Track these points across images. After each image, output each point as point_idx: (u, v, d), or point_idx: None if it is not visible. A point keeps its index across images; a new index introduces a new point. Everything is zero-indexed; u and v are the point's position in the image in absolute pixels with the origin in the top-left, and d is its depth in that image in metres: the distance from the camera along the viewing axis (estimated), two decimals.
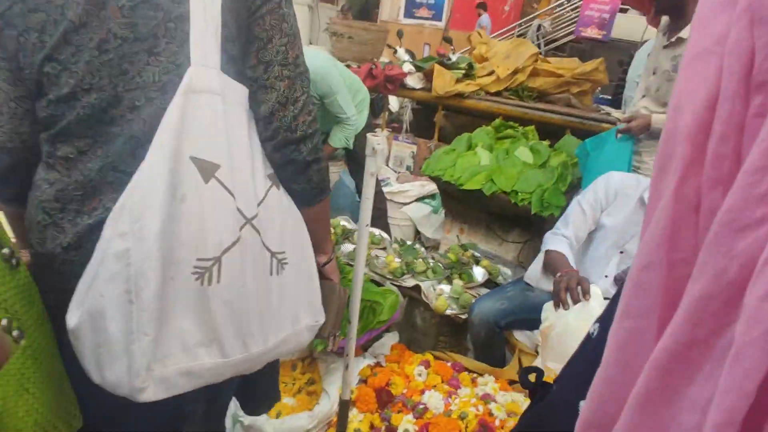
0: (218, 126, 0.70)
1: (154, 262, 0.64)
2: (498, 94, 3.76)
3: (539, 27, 8.84)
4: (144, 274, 0.64)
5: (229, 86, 0.72)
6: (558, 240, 1.65)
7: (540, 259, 1.69)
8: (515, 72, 3.74)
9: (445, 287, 1.97)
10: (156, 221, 0.64)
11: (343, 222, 2.36)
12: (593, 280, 1.69)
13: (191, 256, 0.68)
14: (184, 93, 0.67)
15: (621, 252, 1.64)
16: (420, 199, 3.04)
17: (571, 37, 9.01)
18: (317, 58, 2.18)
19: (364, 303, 1.70)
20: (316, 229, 0.93)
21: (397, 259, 2.09)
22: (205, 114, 0.69)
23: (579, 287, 1.39)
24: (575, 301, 1.37)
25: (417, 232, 2.94)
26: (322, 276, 1.02)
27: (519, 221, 2.28)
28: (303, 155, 0.79)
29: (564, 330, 1.34)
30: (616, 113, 3.19)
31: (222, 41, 0.70)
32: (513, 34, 8.60)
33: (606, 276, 1.67)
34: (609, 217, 1.65)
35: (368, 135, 1.01)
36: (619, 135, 2.12)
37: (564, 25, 9.15)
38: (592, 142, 2.21)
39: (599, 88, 4.33)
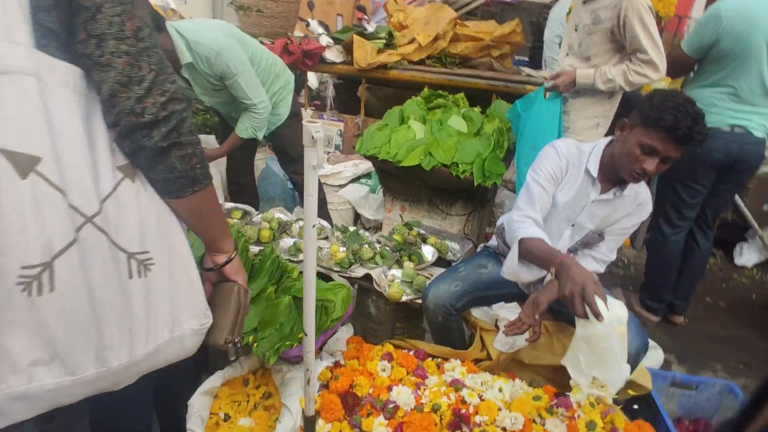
0: (33, 112, 0.59)
1: None
2: (421, 62, 3.67)
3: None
4: None
5: (48, 65, 0.61)
6: (528, 224, 1.44)
7: (514, 251, 1.44)
8: (436, 38, 3.66)
9: (396, 272, 1.87)
10: None
11: (278, 214, 2.18)
12: None
13: (14, 264, 0.59)
14: None
15: (572, 225, 1.61)
16: (355, 180, 2.90)
17: (482, 0, 9.10)
18: (215, 32, 1.91)
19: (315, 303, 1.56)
20: (202, 226, 0.85)
21: (342, 249, 1.96)
22: (14, 99, 0.58)
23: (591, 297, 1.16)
24: (596, 314, 1.15)
25: (356, 215, 2.82)
26: (223, 278, 0.93)
27: (461, 193, 2.22)
28: (154, 140, 0.69)
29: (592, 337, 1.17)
30: (542, 73, 3.21)
31: (32, 11, 0.59)
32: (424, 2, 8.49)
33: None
34: (561, 192, 1.55)
35: (305, 123, 0.85)
36: (548, 93, 2.11)
37: None
38: (522, 103, 2.18)
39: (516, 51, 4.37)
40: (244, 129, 2.07)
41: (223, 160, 2.53)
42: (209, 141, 2.54)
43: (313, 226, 0.97)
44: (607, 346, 1.16)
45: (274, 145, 2.38)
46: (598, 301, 1.16)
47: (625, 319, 1.18)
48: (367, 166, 2.88)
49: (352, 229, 2.09)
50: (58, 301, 0.62)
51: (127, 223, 0.69)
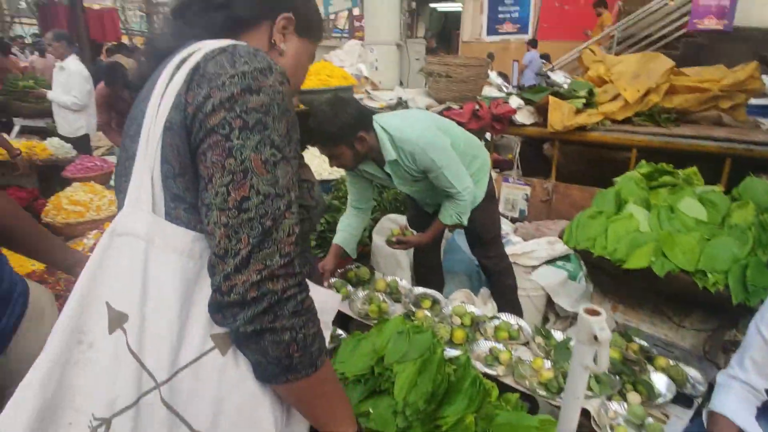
0: (134, 273, 0.64)
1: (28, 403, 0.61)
2: (627, 120, 3.22)
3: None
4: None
5: (164, 230, 0.65)
6: (722, 392, 1.22)
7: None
8: (647, 93, 3.18)
9: (618, 406, 1.51)
10: (44, 366, 0.62)
11: (470, 307, 1.99)
12: None
13: (88, 407, 0.63)
14: (110, 234, 0.66)
15: None
16: (551, 262, 2.58)
17: (683, 31, 7.93)
18: (419, 125, 1.87)
19: None
20: (304, 413, 0.73)
21: (547, 364, 1.67)
22: (123, 258, 0.65)
23: None
24: None
25: (548, 302, 2.48)
26: None
27: (704, 304, 1.76)
28: (237, 324, 0.62)
29: None
30: None
31: (163, 179, 0.66)
32: (613, 41, 7.72)
33: None
34: None
35: (584, 315, 0.64)
36: None
37: (674, 18, 8.08)
38: None
39: None
40: (448, 216, 1.97)
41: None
42: (399, 220, 2.51)
43: None
44: None
45: (465, 226, 2.24)
46: None
47: None
48: (564, 247, 2.54)
49: (558, 336, 1.79)
50: None
51: (200, 396, 0.64)
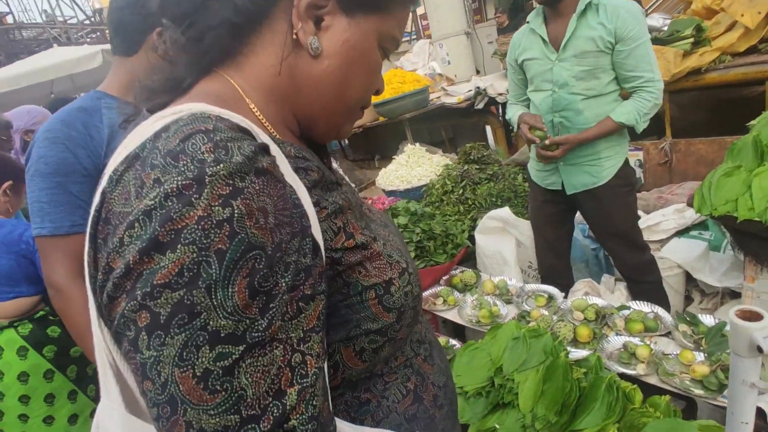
0: None
1: None
2: (752, 49, 2.71)
3: None
4: None
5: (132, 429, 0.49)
6: None
7: None
8: None
9: None
10: None
11: (593, 299, 1.78)
12: None
13: None
14: (95, 429, 0.53)
15: None
16: (683, 232, 2.23)
17: None
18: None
19: None
20: None
21: (699, 356, 1.42)
22: None
23: None
24: None
25: (688, 278, 2.14)
26: None
27: None
28: None
29: None
30: None
31: (126, 363, 0.46)
32: None
33: None
34: None
35: (735, 319, 0.50)
36: None
37: None
38: None
39: None
40: (625, 112, 1.70)
41: (528, 237, 2.24)
42: (503, 215, 2.32)
43: None
44: None
45: (584, 210, 1.99)
46: None
47: None
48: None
49: (707, 321, 1.52)
50: None
51: None
